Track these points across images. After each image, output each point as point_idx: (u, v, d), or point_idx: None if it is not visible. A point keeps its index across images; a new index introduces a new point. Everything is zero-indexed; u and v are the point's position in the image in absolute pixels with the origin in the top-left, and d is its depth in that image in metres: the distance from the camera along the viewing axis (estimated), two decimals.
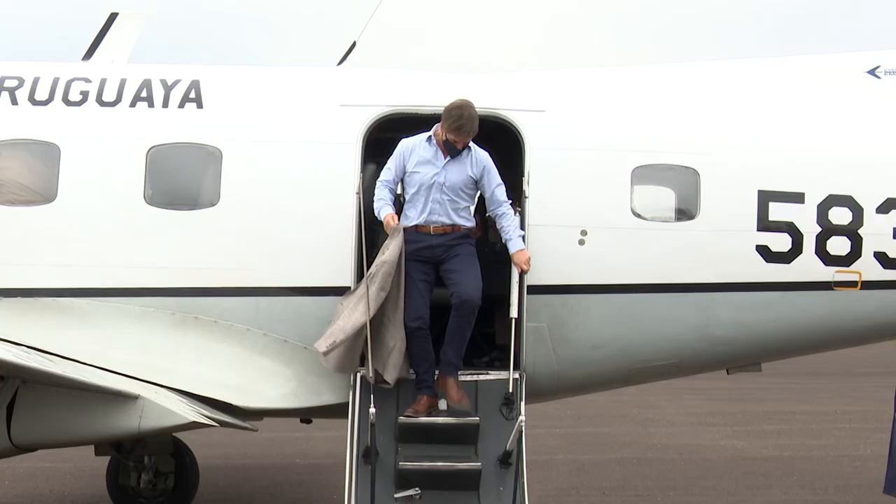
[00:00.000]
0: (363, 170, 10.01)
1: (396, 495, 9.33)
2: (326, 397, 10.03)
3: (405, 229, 9.54)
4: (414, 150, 9.63)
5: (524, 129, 10.04)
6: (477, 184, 9.68)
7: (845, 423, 20.61)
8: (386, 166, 9.67)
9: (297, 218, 10.02)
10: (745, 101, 10.51)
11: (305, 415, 10.65)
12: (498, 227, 9.72)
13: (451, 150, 9.58)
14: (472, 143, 9.63)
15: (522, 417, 9.29)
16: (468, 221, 9.70)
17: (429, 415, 9.50)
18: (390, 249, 9.36)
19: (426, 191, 9.58)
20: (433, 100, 10.11)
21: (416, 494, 9.32)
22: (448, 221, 9.60)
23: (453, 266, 9.55)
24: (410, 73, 10.68)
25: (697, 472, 15.54)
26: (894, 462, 5.59)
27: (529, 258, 9.53)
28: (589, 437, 17.65)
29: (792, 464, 16.20)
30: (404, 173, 9.65)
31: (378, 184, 9.62)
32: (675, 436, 18.67)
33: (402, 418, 9.46)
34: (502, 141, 10.20)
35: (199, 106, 10.22)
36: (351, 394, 9.69)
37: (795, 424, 20.32)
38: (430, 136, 9.64)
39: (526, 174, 9.96)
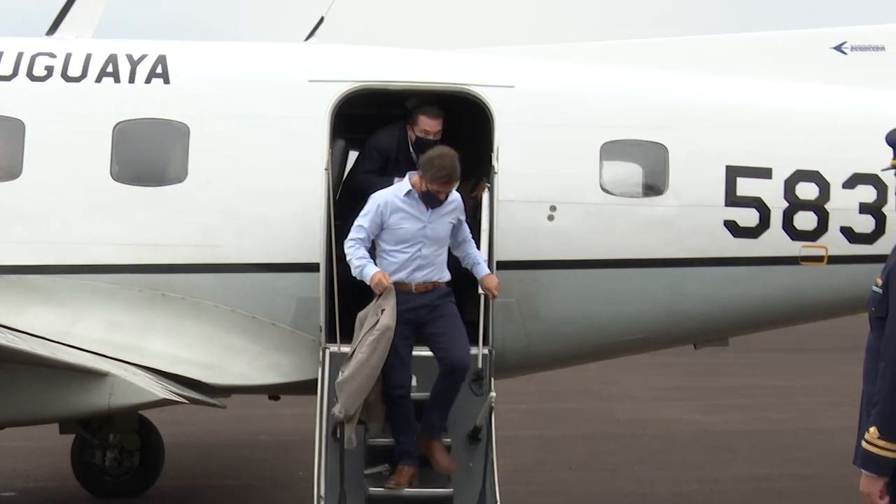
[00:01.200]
0: (332, 146, 9.97)
1: (366, 471, 9.32)
2: (295, 374, 10.03)
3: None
4: (391, 204, 9.13)
5: (493, 104, 10.01)
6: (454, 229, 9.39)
7: (807, 397, 20.77)
8: (357, 224, 9.13)
9: (265, 194, 9.98)
10: (713, 77, 10.53)
11: (274, 391, 10.64)
12: (461, 254, 9.43)
13: (433, 202, 9.11)
14: None
15: (493, 394, 9.30)
16: (448, 275, 9.31)
17: (410, 486, 9.19)
18: (388, 312, 8.95)
19: (410, 247, 9.14)
20: (402, 75, 10.11)
21: (384, 470, 9.32)
22: (432, 278, 9.16)
23: (440, 329, 9.14)
24: (379, 49, 10.63)
25: (662, 446, 15.64)
26: (862, 432, 5.68)
27: (499, 283, 9.32)
28: (553, 413, 17.72)
29: (755, 437, 16.33)
30: (381, 230, 9.15)
31: (352, 242, 9.09)
32: (640, 411, 18.78)
33: (379, 490, 9.18)
34: (471, 116, 10.19)
35: (166, 81, 10.15)
36: (320, 370, 9.67)
37: (758, 399, 20.45)
38: (409, 190, 9.13)
39: (495, 150, 9.94)
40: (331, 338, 9.67)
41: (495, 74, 10.26)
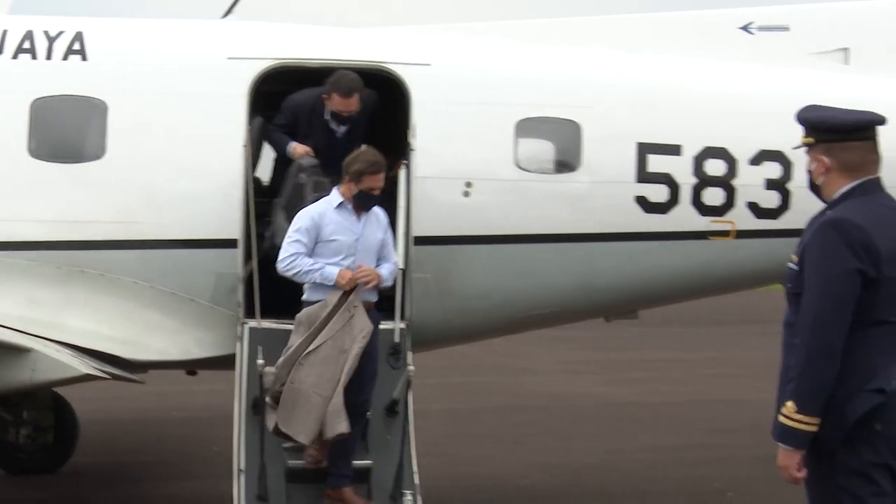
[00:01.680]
0: (250, 123, 10.05)
1: (285, 445, 9.43)
2: (213, 349, 10.09)
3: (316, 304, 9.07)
4: (324, 215, 9.08)
5: (409, 82, 10.14)
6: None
7: (709, 370, 21.23)
8: (292, 239, 9.03)
9: (184, 171, 10.03)
10: (625, 56, 10.74)
11: (192, 367, 10.70)
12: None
13: (367, 202, 9.09)
14: None
15: (411, 367, 9.46)
16: (376, 297, 9.29)
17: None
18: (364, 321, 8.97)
19: (345, 259, 9.07)
20: (320, 53, 10.21)
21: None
22: (365, 297, 9.10)
23: (362, 367, 9.04)
24: (296, 27, 10.66)
25: (570, 418, 15.95)
26: (779, 406, 5.85)
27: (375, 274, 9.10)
28: (462, 387, 17.94)
29: (660, 409, 16.73)
30: (316, 243, 9.06)
31: (293, 256, 8.99)
32: (547, 384, 19.09)
33: (297, 463, 9.31)
34: (388, 94, 10.32)
35: (84, 58, 10.15)
36: (238, 346, 9.76)
37: (661, 371, 20.87)
38: (340, 202, 9.10)
39: (412, 127, 10.07)
40: (249, 313, 9.79)
41: (412, 53, 10.38)
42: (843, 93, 10.74)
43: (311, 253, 9.04)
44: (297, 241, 9.03)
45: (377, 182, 9.05)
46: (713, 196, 10.45)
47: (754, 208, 10.51)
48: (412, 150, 10.03)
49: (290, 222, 9.38)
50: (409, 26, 10.73)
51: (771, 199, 10.50)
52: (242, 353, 9.70)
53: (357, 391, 9.04)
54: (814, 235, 5.70)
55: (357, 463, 9.35)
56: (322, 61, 10.18)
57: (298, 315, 9.05)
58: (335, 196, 9.17)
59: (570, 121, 10.32)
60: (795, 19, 11.09)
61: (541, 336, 16.24)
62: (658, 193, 10.36)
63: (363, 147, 9.37)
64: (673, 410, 16.55)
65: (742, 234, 10.52)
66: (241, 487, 9.20)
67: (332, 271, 8.94)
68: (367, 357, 9.04)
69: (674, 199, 10.39)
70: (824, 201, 5.89)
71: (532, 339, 16.27)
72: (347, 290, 8.95)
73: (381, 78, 10.23)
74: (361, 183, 9.02)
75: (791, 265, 5.84)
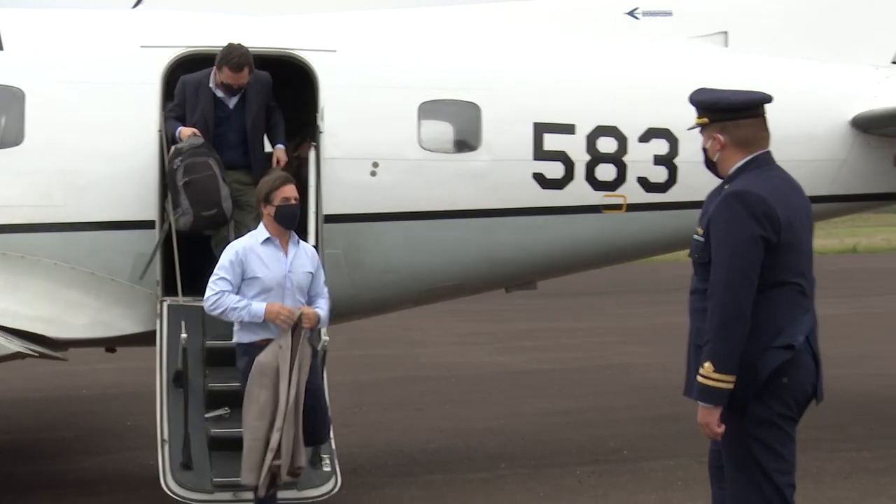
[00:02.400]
0: (164, 108, 10.44)
1: (207, 415, 9.86)
2: (134, 326, 10.46)
3: (250, 344, 8.80)
4: (250, 251, 8.75)
5: (317, 68, 10.59)
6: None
7: (595, 338, 21.93)
8: (217, 277, 8.70)
9: (101, 156, 10.35)
10: (521, 41, 11.27)
11: (114, 343, 11.02)
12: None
13: (288, 215, 8.75)
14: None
15: (325, 338, 9.83)
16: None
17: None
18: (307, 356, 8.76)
19: (273, 296, 8.71)
20: (230, 41, 10.56)
21: (224, 413, 9.88)
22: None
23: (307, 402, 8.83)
24: (208, 16, 11.04)
25: (468, 386, 16.50)
26: (692, 367, 6.32)
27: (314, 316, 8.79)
28: (362, 360, 18.36)
29: (552, 375, 17.34)
30: (242, 280, 8.74)
31: (217, 294, 8.65)
32: (443, 355, 19.65)
33: (220, 431, 9.65)
34: (296, 78, 10.77)
35: (0, 48, 10.46)
36: (158, 322, 10.16)
37: (550, 340, 21.51)
38: (267, 238, 8.78)
39: (320, 111, 10.52)
40: (168, 291, 10.22)
41: (318, 39, 10.81)
42: (723, 73, 11.48)
43: (237, 290, 8.69)
44: (221, 278, 8.69)
45: (289, 192, 8.77)
46: (605, 172, 11.06)
47: (644, 183, 11.16)
48: (321, 132, 10.50)
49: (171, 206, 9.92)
50: (317, 14, 11.14)
51: (659, 174, 11.16)
52: (162, 329, 10.10)
53: (317, 429, 9.02)
54: (718, 207, 6.14)
55: None
56: None
57: (255, 367, 8.64)
58: (261, 231, 8.86)
59: (470, 103, 10.84)
60: (678, 5, 11.70)
61: (431, 310, 16.75)
62: (554, 170, 10.93)
63: (279, 173, 9.25)
64: (564, 377, 17.17)
65: (633, 207, 11.15)
66: (166, 456, 9.56)
67: (260, 308, 8.58)
68: (312, 395, 8.87)
69: (569, 176, 10.99)
70: (720, 177, 6.40)
71: (421, 312, 16.75)
72: (293, 329, 8.64)
73: (290, 64, 10.68)
74: (274, 200, 8.73)
75: (696, 237, 6.28)
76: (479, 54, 11.15)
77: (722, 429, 6.04)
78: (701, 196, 10.35)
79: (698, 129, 6.49)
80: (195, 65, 10.60)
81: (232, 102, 10.35)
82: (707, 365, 5.93)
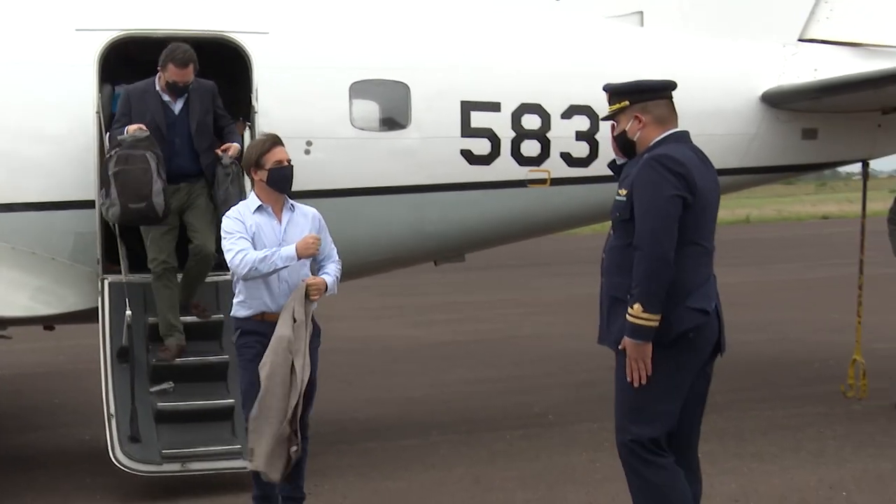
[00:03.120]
0: (100, 90, 10.64)
1: (151, 389, 10.14)
2: (76, 304, 10.63)
3: (245, 319, 8.45)
4: (244, 216, 8.44)
5: (250, 50, 10.83)
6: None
7: (506, 310, 22.44)
8: (233, 238, 8.29)
9: (40, 137, 10.47)
10: (449, 22, 11.62)
11: (55, 321, 11.19)
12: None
13: (282, 177, 8.50)
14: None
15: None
16: None
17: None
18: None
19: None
20: (164, 23, 10.82)
21: (169, 387, 10.17)
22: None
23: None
24: None
25: (388, 358, 16.90)
26: (603, 317, 7.05)
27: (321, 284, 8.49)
28: None
29: (470, 346, 17.80)
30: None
31: (240, 251, 8.24)
32: (358, 329, 19.98)
33: (166, 405, 9.97)
34: (229, 60, 11.03)
35: None
36: (100, 299, 10.39)
37: (462, 313, 21.98)
38: (258, 205, 8.46)
39: (254, 91, 10.77)
40: (108, 269, 10.46)
41: (252, 22, 11.01)
42: (640, 52, 11.99)
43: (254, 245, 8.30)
44: (239, 238, 8.28)
45: (281, 154, 8.51)
46: (530, 148, 11.48)
47: (567, 158, 11.59)
48: (255, 112, 10.76)
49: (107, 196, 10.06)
50: None
51: (581, 149, 11.60)
52: (104, 306, 10.34)
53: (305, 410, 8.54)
54: (641, 169, 6.78)
55: (221, 402, 10.10)
56: (166, 31, 10.82)
57: (278, 343, 8.17)
58: (251, 200, 8.56)
59: (399, 82, 11.18)
60: None
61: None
62: (481, 147, 11.31)
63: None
64: (483, 347, 17.64)
65: (556, 182, 11.59)
66: (114, 430, 9.80)
67: (289, 249, 8.22)
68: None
69: (495, 152, 11.38)
70: (631, 158, 7.04)
71: None
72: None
73: (223, 46, 10.94)
74: (266, 163, 8.45)
75: (619, 197, 6.90)
76: (408, 35, 11.45)
77: (649, 362, 6.67)
78: None
79: (614, 116, 7.10)
80: (130, 46, 10.81)
81: (177, 108, 10.46)
82: (637, 306, 6.58)
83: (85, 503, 9.77)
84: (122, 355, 10.11)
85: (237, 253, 8.24)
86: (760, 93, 12.11)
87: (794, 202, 62.95)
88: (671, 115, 7.01)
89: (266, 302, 8.39)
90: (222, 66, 11.10)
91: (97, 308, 10.38)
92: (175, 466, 9.81)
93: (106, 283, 10.37)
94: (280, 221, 8.51)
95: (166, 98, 10.44)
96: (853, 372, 12.79)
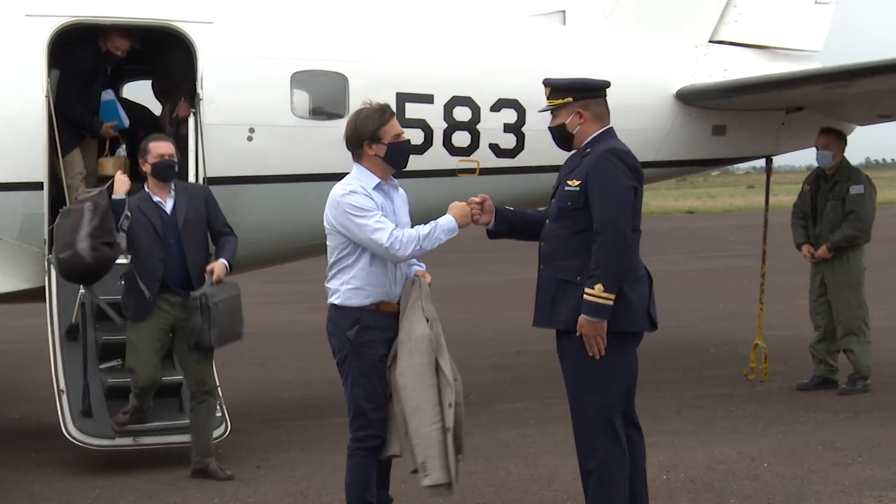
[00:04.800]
0: (49, 75, 10.89)
1: (101, 366, 10.43)
2: (23, 283, 10.88)
3: (363, 309, 7.65)
4: (369, 198, 7.70)
5: (195, 38, 11.16)
6: None
7: None
8: (376, 218, 7.58)
9: None
10: (386, 17, 12.08)
11: (4, 300, 11.37)
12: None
13: (401, 155, 7.88)
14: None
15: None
16: None
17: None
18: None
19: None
20: (112, 11, 11.11)
21: (117, 364, 10.44)
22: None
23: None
24: None
25: (295, 341, 17.29)
26: (546, 300, 7.60)
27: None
28: None
29: None
30: None
31: (395, 231, 7.61)
32: (256, 314, 19.93)
33: (116, 381, 10.19)
34: (175, 48, 11.37)
35: None
36: (46, 279, 10.65)
37: None
38: (377, 183, 7.76)
39: (199, 79, 11.12)
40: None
41: (196, 11, 11.33)
42: (563, 49, 12.58)
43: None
44: (381, 218, 7.62)
45: (398, 128, 7.85)
46: (461, 139, 12.01)
47: (495, 149, 12.16)
48: (200, 99, 11.10)
49: None
50: None
51: (508, 141, 12.17)
52: (51, 285, 10.60)
53: None
54: (598, 161, 7.36)
55: (169, 378, 10.38)
56: (113, 19, 11.12)
57: (421, 343, 7.55)
58: (366, 176, 7.78)
59: (338, 73, 11.61)
60: None
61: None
62: (415, 137, 11.68)
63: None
64: None
65: (485, 172, 12.14)
66: (65, 405, 10.08)
67: (448, 220, 7.78)
68: None
69: (428, 142, 11.88)
70: (567, 149, 7.65)
71: None
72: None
73: (168, 34, 11.26)
74: (384, 137, 7.78)
75: (570, 187, 7.42)
76: (348, 28, 11.87)
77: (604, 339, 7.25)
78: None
79: (554, 109, 7.67)
80: (77, 33, 11.07)
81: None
82: (598, 286, 7.13)
83: (37, 476, 10.02)
84: (70, 333, 10.39)
85: (391, 231, 7.54)
86: (675, 90, 12.80)
87: (657, 196, 64.38)
88: (606, 112, 7.63)
89: (388, 290, 7.67)
90: (167, 53, 11.41)
91: (44, 288, 10.64)
92: (127, 441, 10.15)
93: (51, 266, 10.60)
94: (392, 201, 7.86)
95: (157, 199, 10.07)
96: (755, 356, 13.51)
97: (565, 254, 7.41)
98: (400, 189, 8.07)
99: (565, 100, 7.57)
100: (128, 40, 11.21)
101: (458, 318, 19.34)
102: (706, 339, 16.79)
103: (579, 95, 7.55)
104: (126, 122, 11.66)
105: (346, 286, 7.68)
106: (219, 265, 10.00)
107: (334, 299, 7.73)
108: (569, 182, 7.48)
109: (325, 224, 7.86)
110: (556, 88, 7.66)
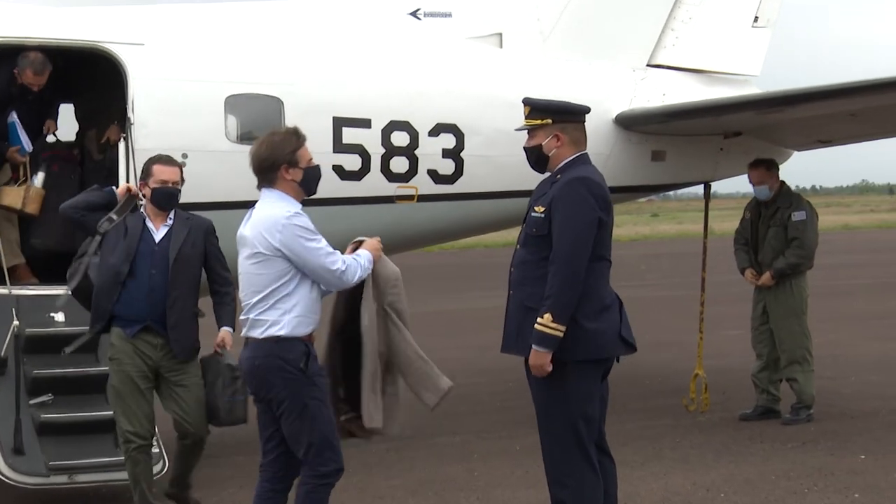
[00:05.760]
0: None
1: (31, 401, 9.94)
2: None
3: (306, 338, 7.40)
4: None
5: (125, 61, 10.77)
6: None
7: None
8: (313, 231, 7.46)
9: None
10: (322, 40, 11.77)
11: None
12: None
13: (314, 178, 7.77)
14: None
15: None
16: None
17: None
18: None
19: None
20: (39, 32, 10.70)
21: (48, 399, 10.00)
22: None
23: None
24: (18, 6, 11.05)
25: None
26: (512, 327, 7.40)
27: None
28: None
29: None
30: None
31: (342, 260, 7.47)
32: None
33: (49, 417, 9.74)
34: (105, 70, 10.96)
35: None
36: None
37: None
38: (301, 206, 7.63)
39: (130, 102, 10.72)
40: None
41: (126, 32, 10.97)
42: (500, 72, 12.36)
43: None
44: (326, 245, 7.45)
45: (308, 152, 7.78)
46: (399, 164, 11.71)
47: (433, 175, 11.88)
48: (132, 123, 10.70)
49: None
50: (125, 6, 11.32)
51: (447, 167, 11.90)
52: None
53: None
54: (565, 189, 7.19)
55: (103, 414, 9.85)
56: (40, 40, 10.70)
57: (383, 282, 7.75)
58: (288, 202, 7.63)
59: (273, 97, 11.27)
60: (457, 7, 12.48)
61: None
62: (352, 162, 11.49)
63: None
64: None
65: (423, 198, 11.85)
66: None
67: (364, 253, 7.73)
68: None
69: (366, 168, 11.57)
70: (540, 170, 7.51)
71: None
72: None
73: (98, 56, 10.85)
74: (299, 162, 7.66)
75: (535, 214, 7.29)
76: (283, 52, 11.56)
77: (550, 368, 7.09)
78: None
79: (532, 129, 7.48)
80: (3, 54, 10.66)
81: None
82: (547, 316, 7.02)
83: None
84: (2, 367, 9.93)
85: (340, 258, 7.41)
86: (614, 115, 12.61)
87: None
88: (584, 138, 7.46)
89: (317, 318, 7.49)
90: (96, 75, 11.02)
91: None
92: (62, 478, 9.68)
93: None
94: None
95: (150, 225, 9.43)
96: (695, 386, 13.32)
97: (533, 280, 7.24)
98: None
99: (544, 121, 7.40)
100: (42, 76, 10.69)
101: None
102: (638, 369, 16.53)
103: (559, 118, 7.40)
104: (29, 147, 11.07)
105: (290, 315, 7.30)
106: (228, 336, 9.13)
107: (275, 331, 7.27)
108: (535, 208, 7.33)
109: (262, 249, 7.44)
110: (535, 108, 7.45)
